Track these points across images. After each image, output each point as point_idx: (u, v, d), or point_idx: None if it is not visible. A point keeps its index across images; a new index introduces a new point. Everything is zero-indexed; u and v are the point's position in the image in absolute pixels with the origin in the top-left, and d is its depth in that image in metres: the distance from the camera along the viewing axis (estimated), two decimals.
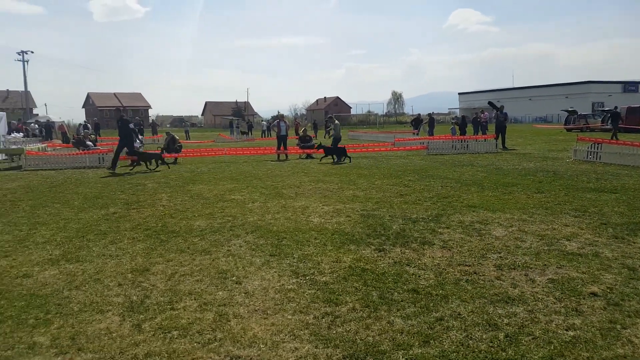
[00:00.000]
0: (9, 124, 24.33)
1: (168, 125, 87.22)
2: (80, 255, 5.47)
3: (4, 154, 18.48)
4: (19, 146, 19.46)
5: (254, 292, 4.25)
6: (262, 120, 59.47)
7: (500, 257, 5.13)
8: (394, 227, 6.43)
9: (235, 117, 62.09)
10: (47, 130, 31.36)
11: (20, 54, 51.55)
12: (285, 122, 18.99)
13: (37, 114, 58.62)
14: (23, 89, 55.29)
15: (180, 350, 3.21)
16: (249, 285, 4.41)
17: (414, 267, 4.83)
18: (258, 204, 8.44)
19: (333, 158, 16.17)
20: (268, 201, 8.66)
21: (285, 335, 3.41)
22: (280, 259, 5.18)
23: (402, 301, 3.96)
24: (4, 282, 4.65)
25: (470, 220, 6.80)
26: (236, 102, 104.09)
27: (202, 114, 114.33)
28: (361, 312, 3.77)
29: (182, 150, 18.38)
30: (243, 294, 4.20)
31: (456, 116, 41.95)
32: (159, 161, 15.38)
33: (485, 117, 25.15)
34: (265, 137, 40.52)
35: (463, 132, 24.22)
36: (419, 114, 39.14)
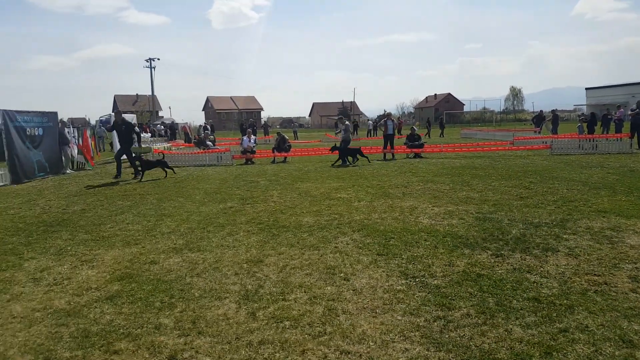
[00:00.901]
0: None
1: (278, 127, 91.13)
2: (201, 245, 5.95)
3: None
4: (147, 145, 21.62)
5: (362, 289, 4.29)
6: (368, 120, 59.63)
7: (636, 267, 4.62)
8: (514, 232, 6.08)
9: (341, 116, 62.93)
10: (172, 131, 34.40)
11: (148, 61, 57.12)
12: (392, 120, 18.85)
13: (162, 117, 64.59)
14: (150, 93, 61.25)
15: (291, 341, 3.35)
16: (357, 283, 4.46)
17: (536, 274, 4.54)
18: (364, 202, 8.49)
19: (347, 160, 16.02)
20: (374, 200, 8.68)
21: (395, 335, 3.40)
22: (388, 258, 5.17)
23: (521, 309, 3.75)
24: (134, 267, 5.21)
25: (600, 226, 6.21)
26: (342, 102, 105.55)
27: (310, 115, 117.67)
28: (476, 318, 3.63)
29: (291, 149, 19.10)
30: (351, 291, 4.26)
31: (583, 113, 38.52)
32: (166, 168, 14.15)
33: (620, 114, 22.63)
34: (370, 136, 40.59)
35: (591, 131, 22.16)
36: (541, 111, 36.53)
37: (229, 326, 3.63)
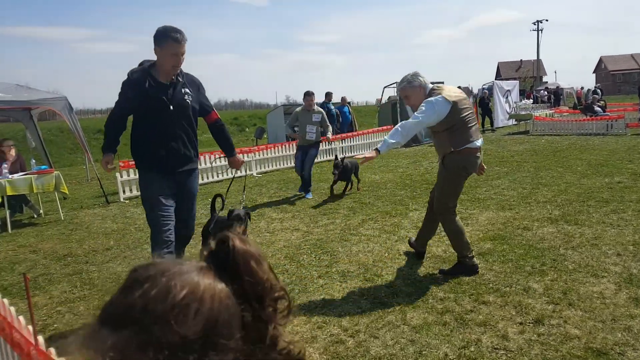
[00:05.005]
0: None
1: None
2: (579, 219, 5.68)
3: (514, 119, 20.72)
4: (528, 112, 21.35)
5: None
6: None
7: None
8: None
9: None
10: (556, 97, 32.67)
11: (535, 24, 55.08)
12: None
13: (547, 82, 61.68)
14: (535, 58, 59.22)
15: None
16: None
17: None
18: None
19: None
20: None
21: None
22: None
23: None
24: (507, 230, 5.46)
25: None
26: None
27: None
28: None
29: None
30: None
31: None
32: None
33: None
34: None
35: None
36: None
37: (605, 306, 3.45)
